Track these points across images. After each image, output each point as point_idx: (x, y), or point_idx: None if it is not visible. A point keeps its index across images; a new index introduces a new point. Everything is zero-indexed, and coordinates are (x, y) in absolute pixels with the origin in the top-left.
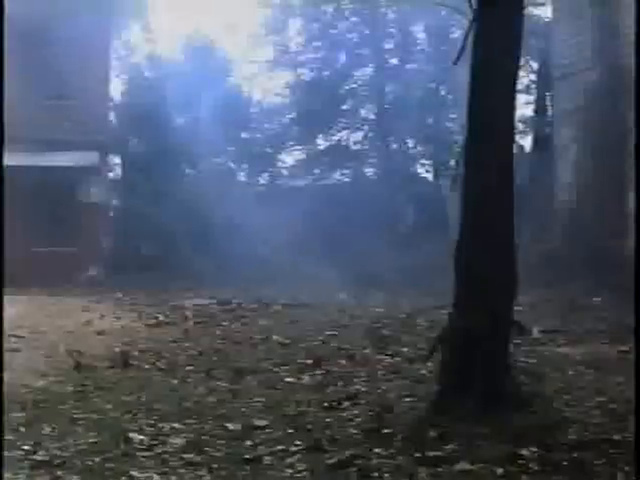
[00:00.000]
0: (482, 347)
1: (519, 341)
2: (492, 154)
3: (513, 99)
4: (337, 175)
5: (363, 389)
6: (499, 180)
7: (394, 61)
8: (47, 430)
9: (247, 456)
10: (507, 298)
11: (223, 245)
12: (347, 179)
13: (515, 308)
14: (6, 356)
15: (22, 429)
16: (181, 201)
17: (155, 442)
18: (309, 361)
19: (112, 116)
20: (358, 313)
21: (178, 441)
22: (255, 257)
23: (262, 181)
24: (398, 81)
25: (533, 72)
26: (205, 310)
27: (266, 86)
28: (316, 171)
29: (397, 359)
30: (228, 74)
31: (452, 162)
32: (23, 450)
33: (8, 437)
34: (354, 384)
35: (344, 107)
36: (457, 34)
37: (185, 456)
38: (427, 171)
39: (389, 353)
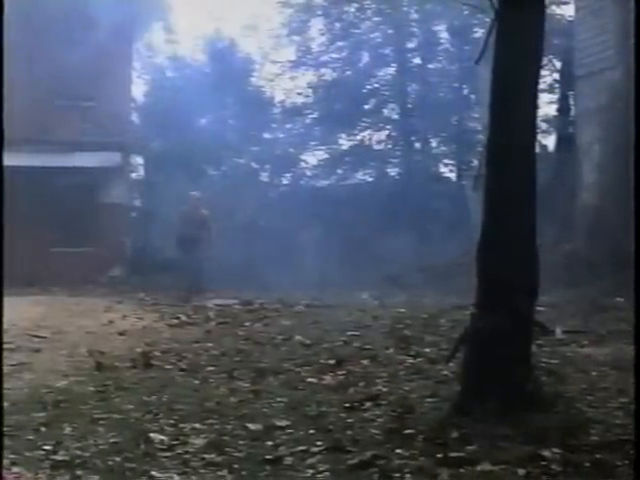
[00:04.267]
0: (504, 347)
1: (542, 342)
2: (514, 154)
3: (535, 98)
4: (360, 175)
5: (385, 389)
6: (521, 180)
7: (417, 61)
8: (68, 430)
9: (268, 456)
10: (529, 298)
11: (245, 245)
12: (370, 179)
13: (538, 308)
14: (28, 357)
15: (43, 429)
16: (203, 201)
17: (176, 442)
18: (331, 361)
19: (134, 117)
20: (380, 313)
21: (199, 441)
22: (278, 258)
23: (285, 181)
24: (421, 81)
25: (557, 71)
26: (227, 310)
27: (288, 86)
28: (339, 171)
29: (419, 359)
30: (250, 74)
31: (475, 162)
32: (44, 450)
33: (29, 437)
34: (376, 385)
35: (367, 107)
36: (480, 33)
37: (206, 456)
38: (450, 171)
39: (411, 353)
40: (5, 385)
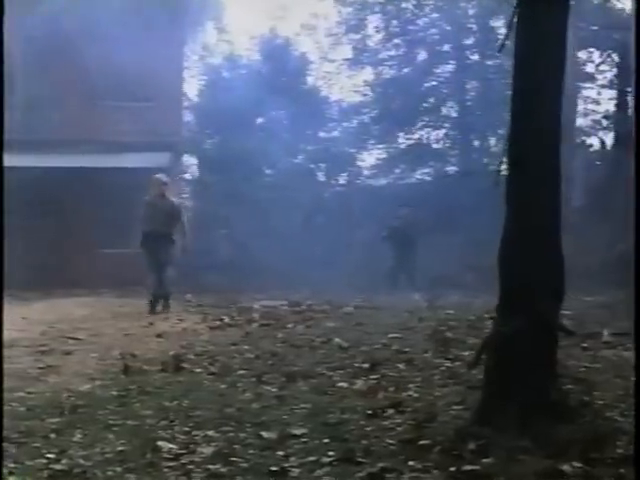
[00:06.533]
0: (526, 354)
1: (587, 345)
2: (536, 153)
3: (560, 94)
4: (418, 174)
5: (414, 395)
6: (543, 180)
7: (475, 57)
8: (77, 437)
9: (274, 468)
10: (553, 302)
11: (300, 246)
12: (428, 178)
13: (589, 310)
14: (58, 359)
15: (52, 436)
16: (259, 201)
17: (184, 451)
18: (366, 365)
19: (189, 117)
20: (427, 315)
21: (207, 450)
22: (333, 258)
23: (341, 181)
24: (479, 78)
25: (616, 66)
26: (273, 312)
27: (345, 85)
28: (397, 170)
29: (456, 363)
30: (306, 73)
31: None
32: (46, 459)
33: (35, 444)
34: (406, 390)
35: (425, 105)
36: None
37: (210, 467)
38: None
39: (449, 357)
40: (28, 389)
